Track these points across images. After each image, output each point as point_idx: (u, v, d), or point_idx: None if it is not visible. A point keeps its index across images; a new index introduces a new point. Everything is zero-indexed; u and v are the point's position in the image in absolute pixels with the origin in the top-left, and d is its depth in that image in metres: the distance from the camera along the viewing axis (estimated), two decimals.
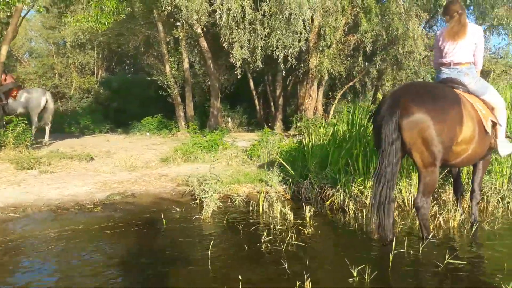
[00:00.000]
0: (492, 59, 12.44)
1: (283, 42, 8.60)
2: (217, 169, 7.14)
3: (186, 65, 15.01)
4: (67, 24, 11.23)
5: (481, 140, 3.61)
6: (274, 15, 8.40)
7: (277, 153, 7.98)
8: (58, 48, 22.08)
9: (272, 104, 16.46)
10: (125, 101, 19.94)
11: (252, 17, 8.71)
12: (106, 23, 8.16)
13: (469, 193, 4.46)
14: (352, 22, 11.70)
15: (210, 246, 3.56)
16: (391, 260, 3.18)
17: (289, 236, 3.86)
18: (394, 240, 3.48)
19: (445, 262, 3.13)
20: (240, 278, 2.90)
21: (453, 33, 3.99)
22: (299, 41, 8.97)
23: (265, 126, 15.62)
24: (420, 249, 3.46)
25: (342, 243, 3.93)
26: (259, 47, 8.91)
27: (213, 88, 14.96)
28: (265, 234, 3.91)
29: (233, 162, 7.93)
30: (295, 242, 3.76)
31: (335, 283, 3.00)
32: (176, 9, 8.92)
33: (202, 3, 8.38)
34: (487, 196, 4.95)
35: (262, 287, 2.98)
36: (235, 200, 5.41)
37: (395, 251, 3.33)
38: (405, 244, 3.49)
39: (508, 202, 4.84)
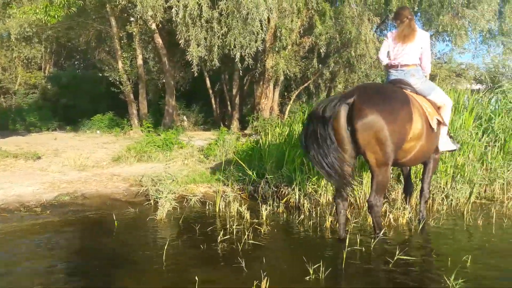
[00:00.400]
0: (437, 63, 13.14)
1: (240, 42, 8.59)
2: (172, 168, 7.02)
3: (139, 61, 14.64)
4: (12, 15, 10.57)
5: (428, 137, 3.81)
6: (232, 14, 8.37)
7: (234, 152, 7.97)
8: (2, 40, 20.76)
9: (228, 103, 16.41)
10: (75, 98, 19.08)
11: (209, 15, 8.63)
12: (56, 16, 7.77)
13: (418, 192, 4.67)
14: (307, 24, 11.90)
15: (165, 246, 3.49)
16: (344, 258, 3.27)
17: (246, 235, 3.86)
18: (347, 237, 3.57)
19: (395, 258, 3.26)
20: (197, 278, 2.86)
21: (403, 36, 4.20)
22: (256, 41, 9.00)
23: (222, 125, 15.55)
24: (372, 246, 3.58)
25: (298, 241, 3.98)
26: (216, 46, 8.85)
27: (168, 86, 14.69)
28: (221, 234, 3.89)
29: (189, 161, 7.82)
30: (252, 242, 3.77)
31: (292, 281, 3.03)
32: (130, 4, 8.65)
33: None
34: (433, 194, 5.20)
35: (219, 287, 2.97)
36: (191, 200, 5.34)
37: (348, 248, 3.43)
38: (358, 242, 3.60)
39: (452, 200, 5.11)
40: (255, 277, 2.92)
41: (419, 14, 12.59)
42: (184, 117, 17.03)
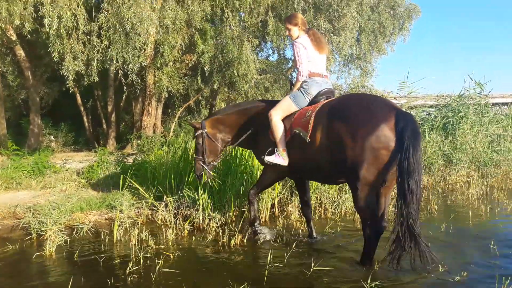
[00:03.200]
0: None
1: (123, 57, 8.14)
2: (50, 196, 6.24)
3: None
4: None
5: None
6: (113, 28, 7.90)
7: (120, 174, 7.45)
8: None
9: (104, 120, 15.36)
10: None
11: (86, 27, 8.01)
12: None
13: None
14: (188, 42, 11.90)
15: (70, 285, 3.06)
16: (266, 275, 3.30)
17: (156, 263, 3.62)
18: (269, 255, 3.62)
19: (311, 269, 3.40)
20: None
21: (322, 45, 4.21)
22: (139, 57, 8.64)
23: (96, 144, 14.45)
24: (285, 260, 3.68)
25: (213, 263, 3.85)
26: (96, 60, 8.23)
27: (33, 103, 13.15)
28: (130, 264, 3.57)
29: (68, 187, 7.05)
30: (164, 270, 3.54)
31: None
32: None
33: (26, 7, 7.30)
34: (325, 204, 5.61)
35: None
36: (80, 231, 4.80)
37: (270, 265, 3.46)
38: (271, 257, 3.64)
39: (341, 209, 5.57)
40: None
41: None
42: (52, 137, 15.40)
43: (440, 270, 3.45)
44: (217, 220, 4.96)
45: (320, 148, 3.59)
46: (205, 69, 11.46)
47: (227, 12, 11.50)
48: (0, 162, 10.61)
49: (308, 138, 3.68)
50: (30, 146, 12.64)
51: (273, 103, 4.36)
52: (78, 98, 14.99)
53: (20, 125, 15.81)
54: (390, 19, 14.17)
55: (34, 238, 4.59)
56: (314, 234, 4.48)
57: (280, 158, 3.99)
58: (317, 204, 5.62)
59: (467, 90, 10.00)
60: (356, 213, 5.30)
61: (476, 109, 9.66)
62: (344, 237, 4.54)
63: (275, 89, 12.79)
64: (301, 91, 4.11)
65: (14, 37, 12.10)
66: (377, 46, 14.25)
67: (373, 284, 3.04)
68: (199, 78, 12.50)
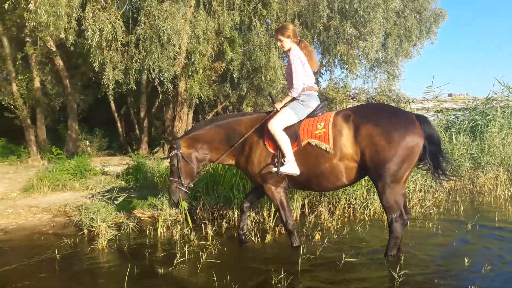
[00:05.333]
0: (335, 88, 14.61)
1: (159, 66, 8.63)
2: (96, 196, 6.72)
3: (37, 84, 13.63)
4: None
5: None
6: (150, 39, 8.40)
7: (157, 176, 7.91)
8: None
9: (136, 126, 16.00)
10: None
11: (125, 40, 8.55)
12: None
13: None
14: (217, 50, 12.34)
15: (126, 275, 3.45)
16: (300, 266, 3.61)
17: (200, 255, 3.98)
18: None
19: (342, 261, 3.69)
20: None
21: (314, 59, 4.35)
22: (173, 66, 9.11)
23: (130, 149, 15.05)
24: (317, 254, 3.97)
25: (250, 256, 4.19)
26: (134, 69, 8.75)
27: (71, 110, 13.89)
28: (178, 256, 3.94)
29: (109, 188, 7.53)
30: (209, 260, 3.90)
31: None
32: (37, 25, 8.15)
33: (71, 21, 7.87)
34: (354, 205, 5.85)
35: None
36: (126, 227, 5.22)
37: (302, 256, 3.77)
38: (304, 251, 3.94)
39: (370, 209, 5.80)
40: None
41: (317, 43, 13.92)
42: (87, 142, 16.12)
43: (465, 264, 3.68)
44: (251, 219, 5.29)
45: (344, 155, 3.87)
46: (234, 76, 11.86)
47: (255, 21, 11.88)
48: (42, 166, 11.34)
49: (331, 149, 3.89)
50: (68, 150, 13.33)
51: (260, 116, 4.37)
52: (112, 105, 15.65)
53: (57, 131, 16.61)
54: (416, 24, 14.23)
55: (85, 233, 5.03)
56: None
57: (295, 167, 3.99)
58: (346, 205, 5.86)
59: (496, 93, 10.02)
60: (384, 213, 5.56)
61: (504, 112, 9.66)
62: (373, 235, 4.79)
63: None
64: (300, 103, 4.18)
65: (54, 48, 12.86)
66: (404, 50, 14.34)
67: (402, 273, 3.30)
68: (228, 84, 12.91)
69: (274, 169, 4.03)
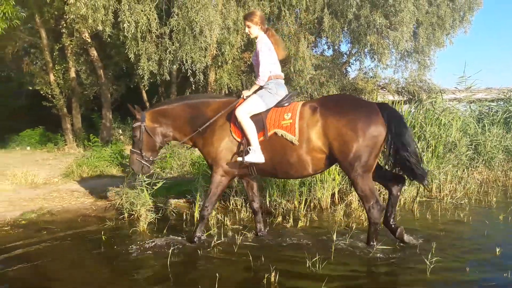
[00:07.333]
0: (364, 78, 14.49)
1: (192, 57, 8.85)
2: (133, 182, 7.03)
3: (72, 74, 14.16)
4: None
5: None
6: (183, 31, 8.61)
7: (190, 164, 8.17)
8: None
9: None
10: None
11: (159, 31, 8.80)
12: None
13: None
14: (247, 41, 12.45)
15: (169, 254, 3.69)
16: (333, 251, 3.75)
17: (236, 238, 4.18)
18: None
19: (374, 248, 3.81)
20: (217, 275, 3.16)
21: (281, 48, 4.27)
22: (204, 57, 9.32)
23: None
24: (347, 240, 4.10)
25: (284, 241, 4.35)
26: (168, 60, 9.02)
27: (105, 99, 14.36)
28: (215, 238, 4.16)
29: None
30: (245, 243, 4.11)
31: (296, 271, 3.43)
32: (74, 17, 8.50)
33: (107, 13, 8.18)
34: (384, 195, 5.92)
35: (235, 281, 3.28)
36: (164, 211, 5.48)
37: (336, 242, 3.92)
38: (335, 238, 4.08)
39: (400, 199, 5.85)
40: (265, 270, 3.30)
41: (346, 32, 13.83)
42: (120, 131, 16.63)
43: (497, 253, 3.74)
44: (283, 206, 5.46)
45: (311, 147, 3.90)
46: None
47: (284, 10, 11.92)
48: (78, 153, 11.85)
49: (297, 141, 3.90)
50: (103, 139, 13.81)
51: (229, 101, 4.32)
52: (144, 95, 16.06)
53: (91, 119, 17.18)
54: (449, 12, 13.89)
55: (126, 216, 5.32)
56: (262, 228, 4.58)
57: (260, 156, 3.96)
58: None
59: None
60: (414, 203, 5.61)
61: None
62: (403, 223, 4.85)
63: (330, 85, 13.01)
64: (268, 92, 4.11)
65: (89, 40, 13.29)
66: (436, 39, 14.04)
67: (433, 260, 3.39)
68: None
69: (240, 158, 3.99)
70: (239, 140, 4.08)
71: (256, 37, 4.23)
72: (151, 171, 4.66)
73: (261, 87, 4.17)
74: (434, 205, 5.72)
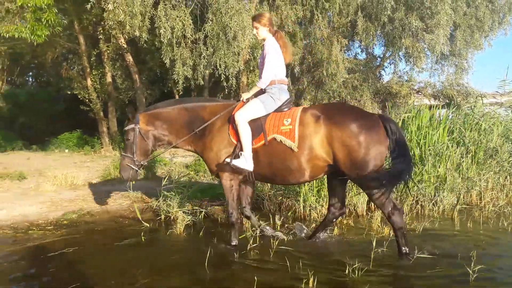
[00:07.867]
0: (399, 81, 14.22)
1: (225, 62, 8.94)
2: (169, 185, 7.16)
3: (109, 79, 14.58)
4: None
5: None
6: (217, 36, 8.72)
7: None
8: None
9: None
10: (32, 117, 18.33)
11: (194, 37, 8.95)
12: (43, 36, 7.80)
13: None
14: None
15: (208, 255, 3.74)
16: (372, 256, 3.69)
17: (272, 242, 4.19)
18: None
19: (415, 256, 3.72)
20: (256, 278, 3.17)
21: (289, 52, 4.22)
22: (237, 62, 9.38)
23: None
24: (385, 246, 4.02)
25: (321, 246, 4.33)
26: (202, 65, 9.16)
27: (140, 103, 14.66)
28: (251, 241, 4.18)
29: (180, 178, 7.96)
30: (281, 247, 4.10)
31: (333, 275, 3.40)
32: (112, 24, 8.77)
33: (144, 19, 8.39)
34: (422, 202, 5.77)
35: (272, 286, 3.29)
36: (199, 214, 5.54)
37: (375, 249, 3.85)
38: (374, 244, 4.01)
39: (439, 206, 5.69)
40: (303, 275, 3.27)
41: (380, 35, 13.61)
42: None
43: None
44: (317, 211, 5.42)
45: (314, 155, 3.85)
46: (295, 70, 11.94)
47: (317, 14, 11.86)
48: (114, 156, 12.18)
49: (296, 147, 3.85)
50: None
51: (227, 104, 4.31)
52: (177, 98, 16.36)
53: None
54: (488, 13, 13.44)
55: (162, 218, 5.41)
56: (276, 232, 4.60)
57: (250, 162, 3.90)
58: (414, 202, 5.79)
59: None
60: (454, 211, 5.45)
61: None
62: (443, 231, 4.74)
63: (364, 88, 12.84)
64: (271, 97, 4.05)
65: (125, 45, 13.67)
66: (474, 42, 13.59)
67: (476, 268, 3.28)
68: (288, 78, 13.03)
69: (227, 160, 3.94)
70: (235, 142, 4.06)
71: (264, 39, 4.17)
72: (138, 177, 4.61)
73: (261, 90, 4.13)
74: (475, 213, 5.53)
